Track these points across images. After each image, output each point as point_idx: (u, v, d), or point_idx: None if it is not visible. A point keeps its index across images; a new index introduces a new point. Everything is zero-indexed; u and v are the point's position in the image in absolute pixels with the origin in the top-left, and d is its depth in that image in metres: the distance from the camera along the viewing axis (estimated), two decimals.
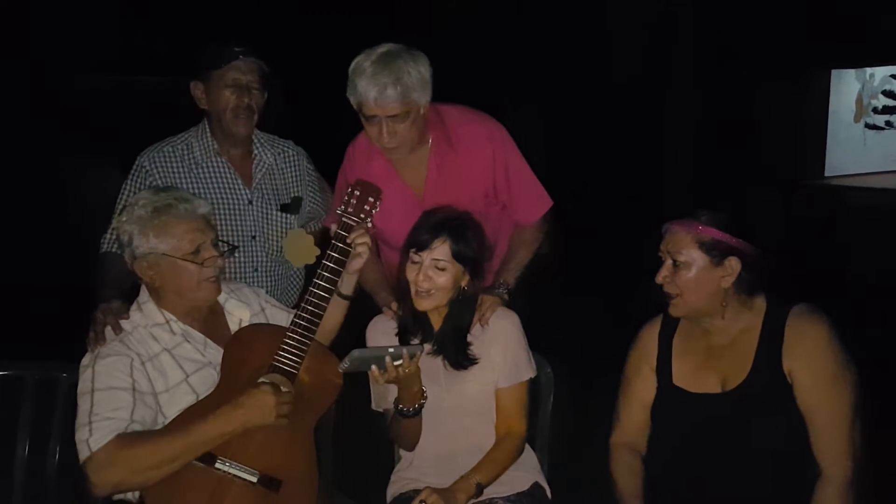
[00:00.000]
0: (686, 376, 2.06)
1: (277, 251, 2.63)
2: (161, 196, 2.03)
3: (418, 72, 2.28)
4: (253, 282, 2.55)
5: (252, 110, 2.55)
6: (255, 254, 2.58)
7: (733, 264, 1.96)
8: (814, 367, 1.92)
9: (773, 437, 1.93)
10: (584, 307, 5.56)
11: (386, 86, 2.22)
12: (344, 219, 2.10)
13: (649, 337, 2.14)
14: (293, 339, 2.01)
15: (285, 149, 2.72)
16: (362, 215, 2.11)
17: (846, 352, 1.95)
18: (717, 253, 1.96)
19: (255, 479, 1.90)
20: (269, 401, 1.90)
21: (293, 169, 2.72)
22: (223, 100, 2.53)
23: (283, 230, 2.64)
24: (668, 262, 2.01)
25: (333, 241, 2.09)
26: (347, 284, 2.16)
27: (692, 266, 1.97)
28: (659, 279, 2.02)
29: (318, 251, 2.59)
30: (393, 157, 2.42)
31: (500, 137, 2.51)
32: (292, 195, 2.69)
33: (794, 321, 1.96)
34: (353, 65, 2.29)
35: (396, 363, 1.92)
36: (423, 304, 2.10)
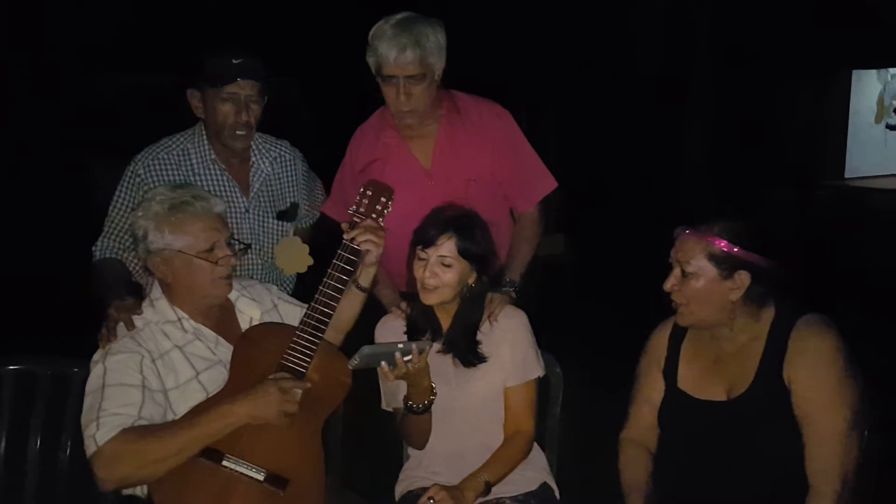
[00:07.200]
0: (691, 381, 2.04)
1: (273, 259, 2.59)
2: (178, 193, 2.03)
3: (436, 37, 2.39)
4: None
5: (250, 126, 2.49)
6: (251, 262, 2.54)
7: (742, 278, 1.91)
8: (811, 379, 1.87)
9: (775, 446, 1.91)
10: (596, 307, 5.54)
11: (406, 46, 2.33)
12: (355, 219, 2.09)
13: (659, 339, 2.13)
14: (302, 338, 2.01)
15: (282, 153, 2.67)
16: (374, 215, 2.10)
17: (852, 366, 1.90)
18: (726, 266, 1.91)
19: (261, 478, 1.90)
20: (273, 395, 1.90)
21: (290, 174, 2.67)
22: (220, 115, 2.45)
23: (279, 238, 2.60)
24: (677, 270, 1.96)
25: (344, 241, 2.08)
26: (365, 277, 2.15)
27: (700, 277, 1.92)
28: (667, 287, 1.98)
29: (311, 261, 2.54)
30: (405, 122, 2.48)
31: (508, 118, 2.61)
32: (289, 202, 2.65)
33: (799, 332, 1.92)
34: (373, 30, 2.40)
35: (406, 359, 1.92)
36: (429, 299, 2.11)
